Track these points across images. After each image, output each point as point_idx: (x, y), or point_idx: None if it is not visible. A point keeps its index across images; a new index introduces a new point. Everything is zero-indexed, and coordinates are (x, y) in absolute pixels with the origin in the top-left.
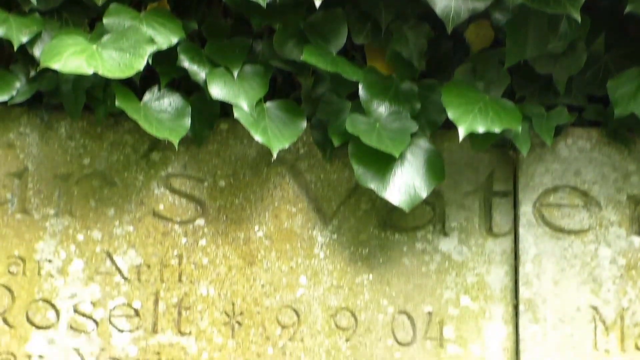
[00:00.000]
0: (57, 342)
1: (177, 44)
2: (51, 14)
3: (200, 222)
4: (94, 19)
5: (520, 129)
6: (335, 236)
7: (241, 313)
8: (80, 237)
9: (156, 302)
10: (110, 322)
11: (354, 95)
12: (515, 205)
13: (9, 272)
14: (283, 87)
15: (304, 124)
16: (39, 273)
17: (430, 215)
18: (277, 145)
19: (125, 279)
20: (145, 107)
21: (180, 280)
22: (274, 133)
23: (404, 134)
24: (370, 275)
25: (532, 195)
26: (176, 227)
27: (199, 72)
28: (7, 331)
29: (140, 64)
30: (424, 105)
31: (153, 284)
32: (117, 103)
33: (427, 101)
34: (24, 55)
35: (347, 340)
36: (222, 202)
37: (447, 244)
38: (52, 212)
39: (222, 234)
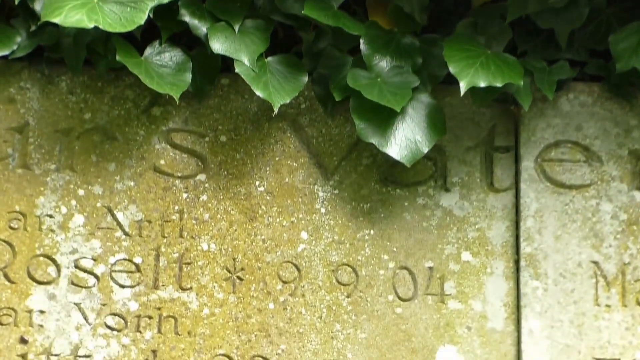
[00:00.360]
0: (57, 297)
1: None
2: None
3: (201, 177)
4: None
5: (521, 83)
6: (336, 191)
7: (242, 268)
8: (81, 192)
9: (157, 257)
10: (111, 278)
11: (356, 50)
12: (517, 161)
13: (10, 227)
14: (284, 42)
15: (305, 79)
16: (39, 228)
17: (431, 170)
18: (279, 100)
19: (126, 234)
20: (146, 61)
21: (181, 235)
22: (275, 88)
23: (406, 89)
24: (372, 231)
25: (534, 150)
26: (177, 182)
27: (200, 26)
28: (8, 286)
29: (142, 18)
30: (426, 59)
31: (154, 239)
32: (118, 57)
33: (428, 56)
34: (25, 10)
35: (348, 295)
36: (223, 157)
37: (449, 199)
38: (53, 167)
39: (223, 189)
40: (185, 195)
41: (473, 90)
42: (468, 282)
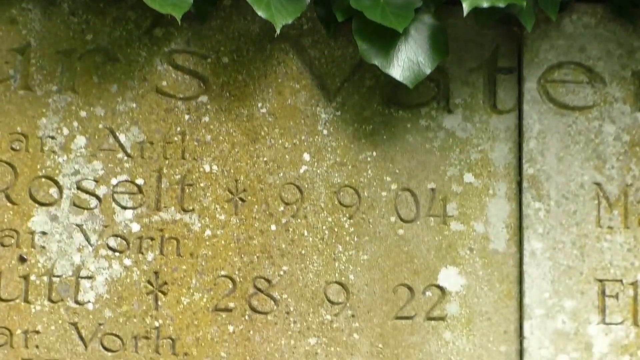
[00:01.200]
0: (59, 218)
1: None
2: None
3: (203, 98)
4: None
5: (524, 4)
6: (338, 113)
7: (244, 190)
8: (83, 113)
9: (159, 179)
10: (113, 199)
11: None
12: (520, 82)
13: (12, 148)
14: None
15: (308, 0)
16: (41, 149)
17: (434, 91)
18: (281, 21)
19: (128, 155)
20: None
21: (183, 157)
22: (277, 8)
23: (408, 9)
24: (374, 152)
25: (537, 71)
26: (179, 103)
27: None
28: (10, 208)
29: None
30: None
31: (156, 160)
32: None
33: None
34: None
35: (350, 217)
36: (226, 78)
37: (451, 121)
38: (54, 88)
39: (225, 111)
40: (187, 116)
41: (476, 11)
42: (470, 203)
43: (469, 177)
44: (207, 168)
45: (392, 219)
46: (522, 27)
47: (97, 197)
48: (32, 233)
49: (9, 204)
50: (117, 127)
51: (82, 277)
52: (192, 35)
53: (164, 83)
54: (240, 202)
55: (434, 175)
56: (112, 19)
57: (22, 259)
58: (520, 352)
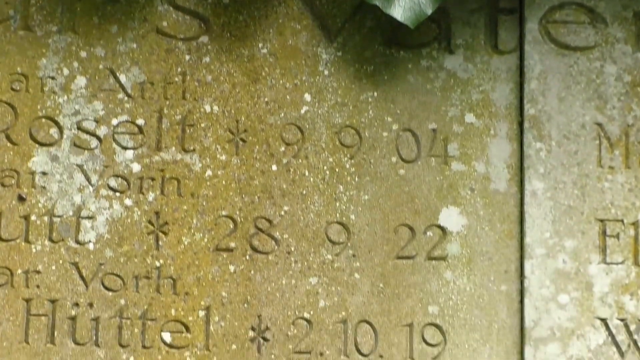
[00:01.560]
0: (60, 159)
1: None
2: None
3: (204, 39)
4: None
5: None
6: (340, 53)
7: (245, 130)
8: (83, 54)
9: (160, 119)
10: (114, 139)
11: None
12: (521, 22)
13: (12, 89)
14: None
15: None
16: (41, 90)
17: (435, 32)
18: None
19: (128, 96)
20: None
21: (183, 97)
22: None
23: None
24: (375, 93)
25: (538, 12)
26: (180, 44)
27: None
28: (10, 148)
29: None
30: None
31: (157, 101)
32: None
33: None
34: None
35: (351, 157)
36: (226, 18)
37: (452, 61)
38: (54, 28)
39: (226, 51)
40: (187, 57)
41: None
42: (471, 143)
43: (470, 118)
44: (207, 108)
45: (393, 159)
46: None
47: (98, 138)
48: (33, 173)
49: (9, 145)
50: (117, 67)
51: (82, 217)
52: None
53: (165, 23)
54: (241, 142)
55: (435, 116)
56: None
57: (21, 198)
58: (521, 292)
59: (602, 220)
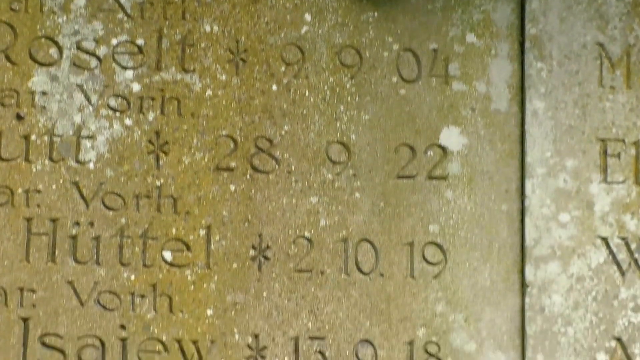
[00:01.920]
0: (59, 78)
1: None
2: None
3: None
4: None
5: None
6: None
7: (245, 50)
8: None
9: (159, 39)
10: (114, 59)
11: None
12: None
13: (11, 9)
14: None
15: None
16: (41, 10)
17: None
18: None
19: (128, 16)
20: None
21: (183, 17)
22: None
23: None
24: (376, 13)
25: None
26: None
27: None
28: (10, 68)
29: None
30: None
31: (156, 21)
32: None
33: None
34: None
35: (351, 77)
36: None
37: None
38: None
39: None
40: None
41: None
42: (472, 63)
43: (471, 38)
44: (207, 28)
45: (394, 79)
46: None
47: (97, 57)
48: (32, 93)
49: (8, 64)
50: None
51: (82, 137)
52: None
53: None
54: (241, 62)
55: (435, 36)
56: None
57: (19, 117)
58: (522, 211)
59: (603, 140)
